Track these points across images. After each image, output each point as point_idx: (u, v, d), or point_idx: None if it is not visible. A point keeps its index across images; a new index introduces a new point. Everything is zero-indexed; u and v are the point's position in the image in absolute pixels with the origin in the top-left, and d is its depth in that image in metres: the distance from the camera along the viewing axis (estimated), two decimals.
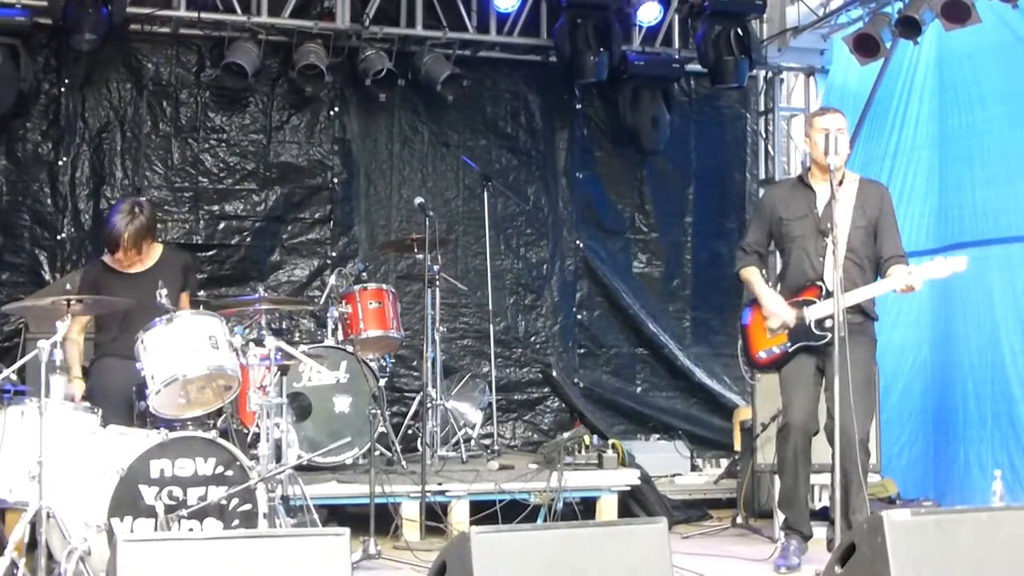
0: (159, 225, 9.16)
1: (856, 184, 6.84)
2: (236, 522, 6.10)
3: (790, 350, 6.83)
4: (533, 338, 10.51)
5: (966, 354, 8.96)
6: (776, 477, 7.80)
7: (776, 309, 6.85)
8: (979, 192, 8.99)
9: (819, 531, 7.08)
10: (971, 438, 8.81)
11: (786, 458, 6.84)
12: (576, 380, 10.40)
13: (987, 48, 8.98)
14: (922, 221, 9.46)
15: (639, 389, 10.74)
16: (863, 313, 6.75)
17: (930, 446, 9.23)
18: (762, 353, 7.03)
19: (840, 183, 6.60)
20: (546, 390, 10.27)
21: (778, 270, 7.72)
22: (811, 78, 11.35)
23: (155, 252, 7.05)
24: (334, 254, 10.05)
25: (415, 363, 9.75)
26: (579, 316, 10.69)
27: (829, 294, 6.61)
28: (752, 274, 7.10)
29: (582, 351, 10.67)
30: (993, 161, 8.89)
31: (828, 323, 6.52)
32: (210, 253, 9.81)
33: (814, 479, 7.53)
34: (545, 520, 7.73)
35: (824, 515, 7.41)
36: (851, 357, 6.15)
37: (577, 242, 10.68)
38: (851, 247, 6.66)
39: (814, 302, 6.75)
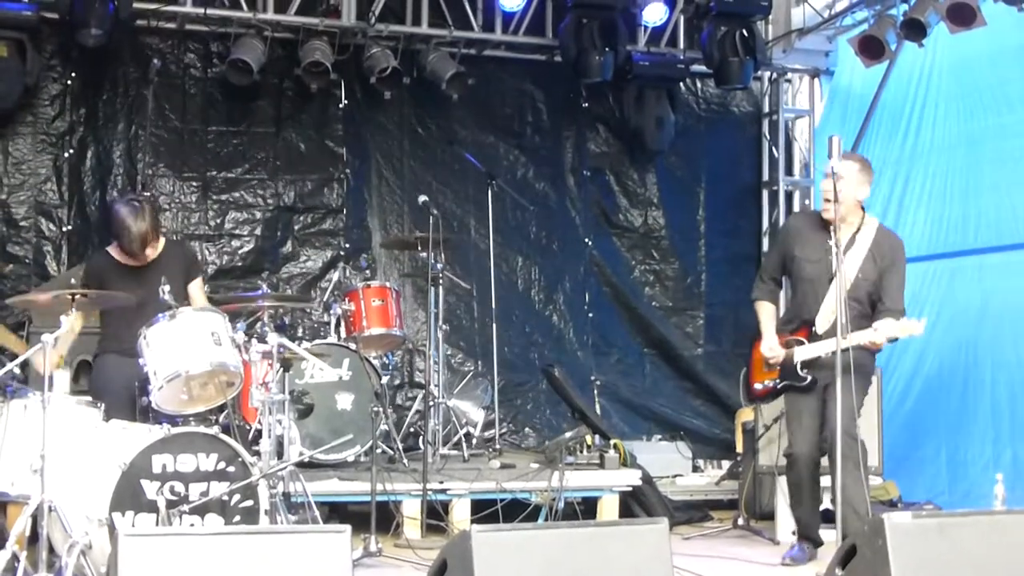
0: (167, 213, 9.30)
1: (873, 232, 6.96)
2: (237, 518, 6.11)
3: (778, 387, 7.14)
4: (545, 337, 10.50)
5: (999, 357, 8.98)
6: (778, 479, 7.97)
7: (766, 352, 7.12)
8: (1017, 195, 8.98)
9: (827, 534, 7.12)
10: (1003, 441, 8.82)
11: (794, 485, 7.16)
12: (593, 377, 10.41)
13: (1010, 51, 8.99)
14: (946, 224, 9.47)
15: (647, 388, 10.72)
16: (860, 347, 6.76)
17: (954, 449, 9.23)
18: (758, 384, 7.34)
19: (858, 229, 6.87)
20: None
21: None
22: (816, 80, 11.35)
23: (158, 245, 7.05)
24: (347, 245, 10.07)
25: (421, 360, 9.73)
26: (590, 315, 10.68)
27: (817, 337, 6.90)
28: (762, 309, 7.30)
29: (593, 350, 10.67)
30: None
31: (821, 360, 6.77)
32: (220, 243, 9.83)
33: None
34: (546, 519, 7.73)
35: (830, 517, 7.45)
36: (845, 379, 6.38)
37: (586, 240, 10.68)
38: (856, 297, 6.81)
39: (803, 343, 6.98)
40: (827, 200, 6.75)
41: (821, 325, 6.89)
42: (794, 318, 7.15)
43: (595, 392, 10.33)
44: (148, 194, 8.68)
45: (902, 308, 6.86)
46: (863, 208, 7.05)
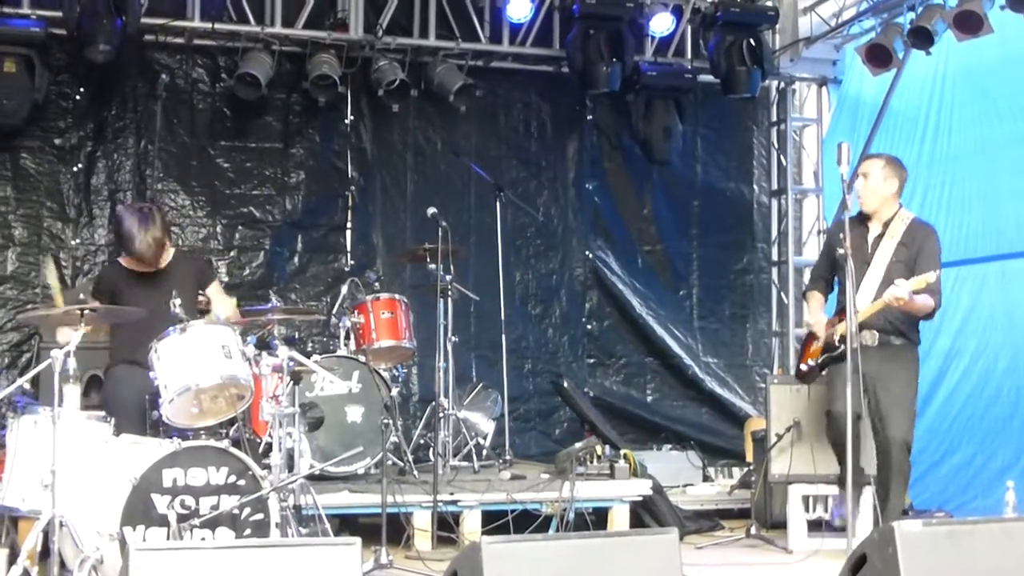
0: (176, 228, 9.36)
1: (906, 223, 7.41)
2: (248, 531, 6.11)
3: (819, 361, 7.57)
4: (543, 348, 10.53)
5: (1020, 362, 9.01)
6: (789, 488, 8.02)
7: (812, 321, 7.69)
8: None
9: (838, 542, 7.15)
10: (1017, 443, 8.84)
11: (834, 442, 7.37)
12: (587, 389, 10.42)
13: None
14: (968, 230, 9.47)
15: (649, 398, 10.77)
16: (903, 336, 7.35)
17: (975, 454, 9.22)
18: (803, 366, 7.79)
19: (891, 220, 7.39)
20: (559, 400, 10.28)
21: None
22: (823, 88, 11.36)
23: (168, 254, 7.08)
24: (352, 262, 10.10)
25: (429, 372, 9.70)
26: (588, 326, 10.72)
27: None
28: (811, 297, 7.86)
29: (592, 361, 10.71)
30: None
31: (865, 346, 7.00)
32: (229, 258, 9.85)
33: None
34: (557, 530, 7.72)
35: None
36: (893, 373, 7.20)
37: (587, 252, 10.71)
38: (891, 278, 7.15)
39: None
40: (860, 197, 7.36)
41: (861, 303, 7.12)
42: (839, 306, 7.53)
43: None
44: (152, 200, 8.72)
45: (934, 284, 7.11)
46: (900, 204, 7.48)
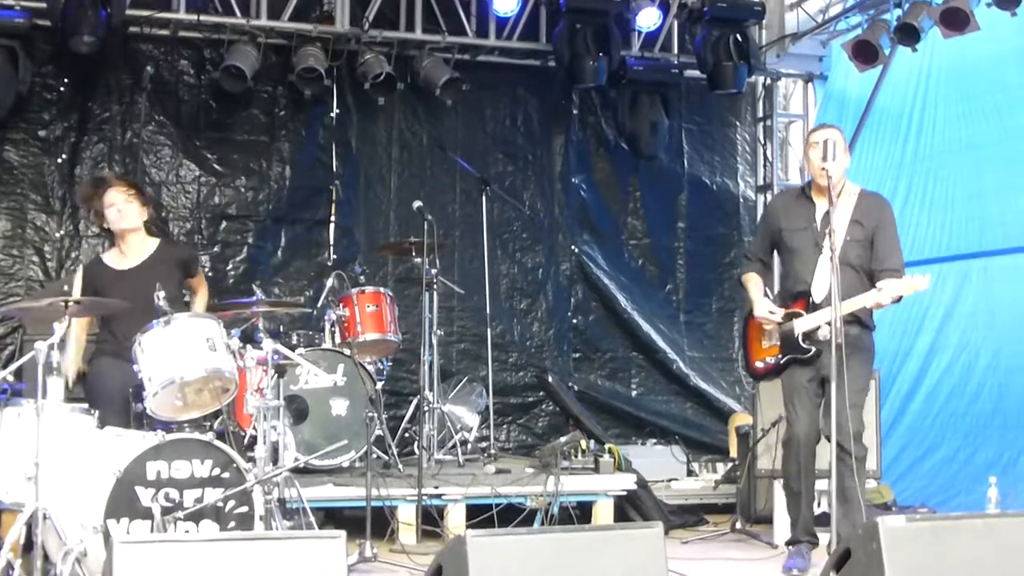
0: (160, 223, 9.25)
1: (855, 197, 6.82)
2: (232, 524, 6.09)
3: (781, 362, 6.92)
4: (528, 342, 10.54)
5: (1005, 361, 9.05)
6: (775, 482, 7.90)
7: (763, 315, 6.92)
8: (1022, 198, 9.03)
9: (821, 536, 7.10)
10: (1008, 444, 8.85)
11: (791, 470, 6.92)
12: (571, 384, 10.43)
13: (1010, 55, 9.03)
14: (952, 227, 9.49)
15: (634, 393, 10.78)
16: (860, 324, 6.73)
17: (957, 450, 9.26)
18: (759, 363, 7.14)
19: (839, 194, 6.56)
20: (540, 394, 10.31)
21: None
22: (810, 84, 11.39)
23: (151, 244, 7.06)
24: (335, 256, 10.07)
25: (413, 366, 9.72)
26: (574, 320, 10.73)
27: (816, 306, 6.71)
28: (750, 280, 7.12)
29: (577, 355, 10.71)
30: None
31: (822, 333, 6.58)
32: (213, 251, 9.83)
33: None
34: (541, 524, 7.72)
35: (826, 520, 7.44)
36: (850, 368, 6.15)
37: (572, 247, 10.72)
38: (846, 259, 6.58)
39: (802, 314, 6.79)
40: (823, 168, 6.49)
41: (818, 294, 6.71)
42: (787, 294, 7.01)
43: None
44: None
45: (902, 266, 6.69)
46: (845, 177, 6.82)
